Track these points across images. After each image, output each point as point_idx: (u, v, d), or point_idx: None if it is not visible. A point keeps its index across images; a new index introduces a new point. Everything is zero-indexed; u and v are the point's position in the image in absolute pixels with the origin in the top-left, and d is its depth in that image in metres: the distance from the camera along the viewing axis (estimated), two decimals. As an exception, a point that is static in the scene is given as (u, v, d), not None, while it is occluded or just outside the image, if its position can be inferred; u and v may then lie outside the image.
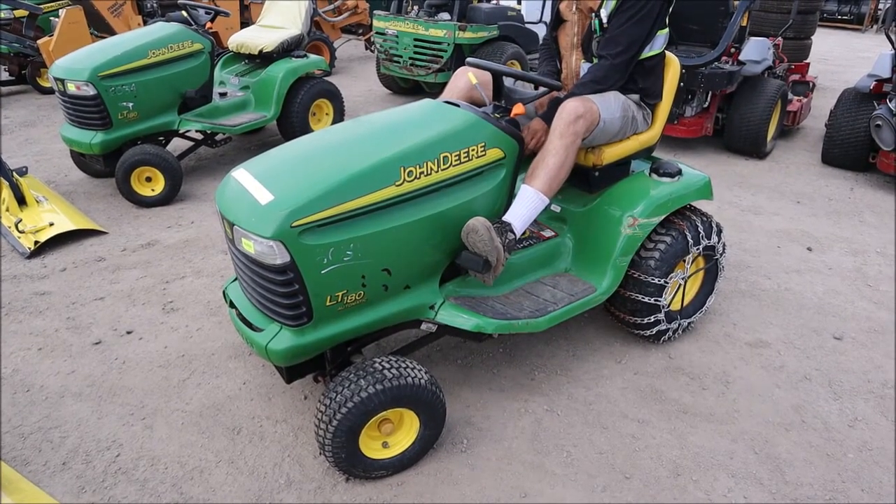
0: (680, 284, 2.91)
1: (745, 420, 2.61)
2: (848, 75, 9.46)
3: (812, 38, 8.29)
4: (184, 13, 5.00)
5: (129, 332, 3.09)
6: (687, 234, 2.77)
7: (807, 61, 7.53)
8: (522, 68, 6.91)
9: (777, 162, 5.78)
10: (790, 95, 6.26)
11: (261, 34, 5.67)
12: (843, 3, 16.32)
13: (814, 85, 6.88)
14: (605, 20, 2.59)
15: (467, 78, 2.66)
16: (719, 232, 2.95)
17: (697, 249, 2.83)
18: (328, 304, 2.10)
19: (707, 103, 5.64)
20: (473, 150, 2.28)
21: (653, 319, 2.85)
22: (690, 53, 5.48)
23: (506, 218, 2.41)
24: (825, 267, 3.86)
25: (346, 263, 2.07)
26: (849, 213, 4.69)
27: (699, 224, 2.83)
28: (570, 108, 2.45)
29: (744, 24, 5.44)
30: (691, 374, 2.87)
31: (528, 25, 7.44)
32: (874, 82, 5.24)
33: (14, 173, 4.21)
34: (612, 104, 2.62)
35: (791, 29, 7.00)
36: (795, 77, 6.77)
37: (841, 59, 11.51)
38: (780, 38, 6.50)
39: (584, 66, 2.78)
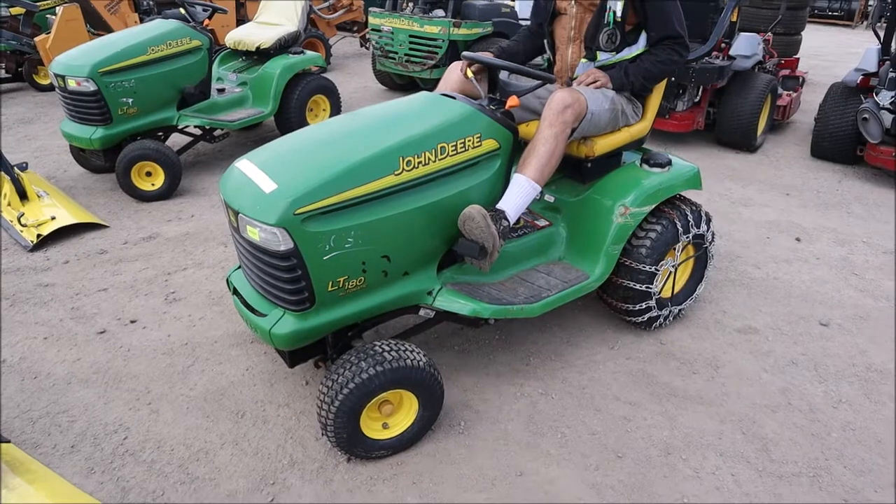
0: (670, 272, 2.99)
1: (734, 402, 2.69)
2: (838, 70, 9.57)
3: (802, 33, 8.40)
4: (181, 10, 5.05)
5: (132, 322, 3.16)
6: (677, 222, 2.85)
7: (797, 56, 7.64)
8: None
9: (767, 155, 5.88)
10: (780, 90, 6.35)
11: (258, 31, 5.72)
12: (834, 0, 16.46)
13: (804, 80, 6.98)
14: (619, 13, 2.65)
15: (461, 71, 2.73)
16: (708, 221, 3.03)
17: (687, 238, 2.92)
18: (330, 289, 2.17)
19: (698, 98, 5.74)
20: (469, 140, 2.36)
21: (644, 306, 2.93)
22: (682, 49, 5.56)
23: (499, 206, 2.48)
24: (813, 257, 3.96)
25: (347, 250, 2.14)
26: (836, 204, 4.79)
27: (689, 213, 2.91)
28: (558, 99, 2.53)
29: (734, 19, 5.53)
30: (682, 359, 2.95)
31: (521, 22, 7.52)
32: (861, 76, 5.34)
33: (15, 168, 4.27)
34: (600, 97, 2.69)
35: (781, 25, 7.10)
36: (786, 72, 6.87)
37: (831, 54, 11.64)
38: (769, 34, 6.60)
39: (583, 64, 2.82)
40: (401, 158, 2.19)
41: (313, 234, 2.06)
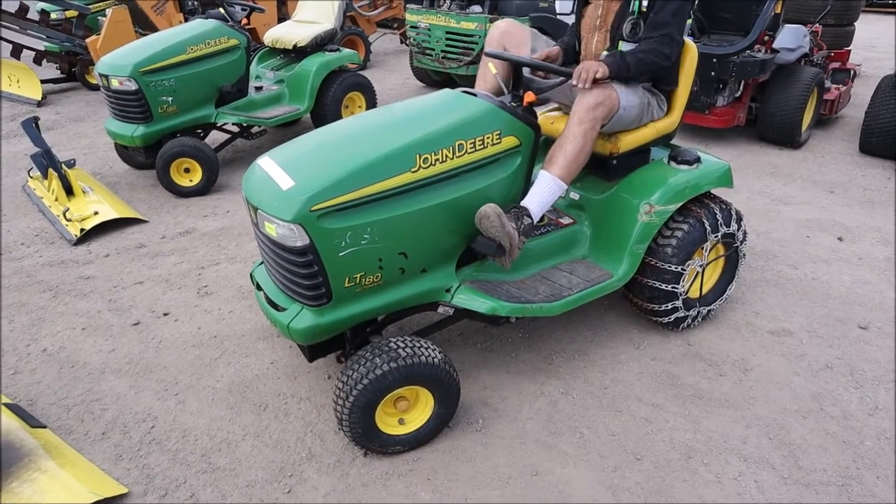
0: (698, 272, 2.92)
1: (762, 406, 2.62)
2: (893, 62, 9.15)
3: (855, 24, 8.04)
4: (221, 10, 5.17)
5: (165, 314, 3.26)
6: (705, 221, 2.78)
7: (848, 48, 7.32)
8: (554, 59, 6.91)
9: (812, 152, 5.67)
10: (828, 84, 6.11)
11: (295, 29, 5.81)
12: (895, -12, 15.73)
13: (855, 73, 6.69)
14: (644, 2, 2.59)
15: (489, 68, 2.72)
16: (739, 220, 2.95)
17: (716, 237, 2.84)
18: (346, 285, 2.20)
19: (739, 92, 5.57)
20: (488, 137, 2.35)
21: (670, 306, 2.87)
22: (723, 42, 5.42)
23: (523, 203, 2.46)
24: (855, 257, 3.80)
25: (363, 246, 2.16)
26: (884, 202, 4.59)
27: (718, 212, 2.83)
28: (590, 95, 2.49)
29: (778, 11, 5.34)
30: (709, 361, 2.88)
31: (559, 17, 7.42)
32: (915, 69, 5.10)
33: (63, 165, 4.45)
34: (630, 92, 2.65)
35: (831, 15, 6.82)
36: (835, 65, 6.60)
37: (889, 46, 11.12)
38: (818, 25, 6.35)
39: (605, 56, 2.78)
40: (417, 156, 2.19)
41: (329, 231, 2.08)
